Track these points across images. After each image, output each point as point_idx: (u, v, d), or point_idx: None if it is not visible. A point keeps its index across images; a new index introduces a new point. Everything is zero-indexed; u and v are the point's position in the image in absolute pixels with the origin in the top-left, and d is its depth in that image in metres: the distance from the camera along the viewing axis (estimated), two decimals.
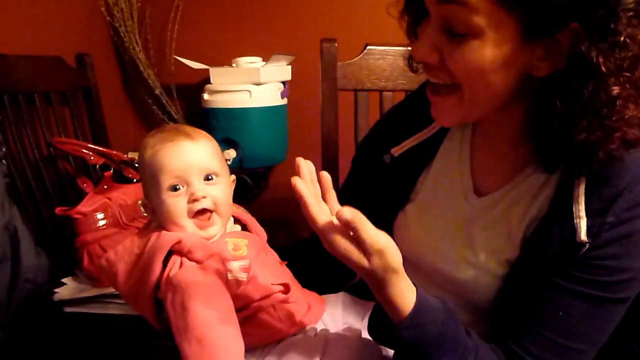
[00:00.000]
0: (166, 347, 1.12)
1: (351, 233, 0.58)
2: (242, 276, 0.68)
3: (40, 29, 1.51)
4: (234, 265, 0.68)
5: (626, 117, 0.59)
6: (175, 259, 0.66)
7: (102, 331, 1.22)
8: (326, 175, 0.64)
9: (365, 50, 1.23)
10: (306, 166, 0.63)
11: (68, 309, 1.23)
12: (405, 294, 0.61)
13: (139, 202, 0.74)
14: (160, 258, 0.66)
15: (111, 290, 1.22)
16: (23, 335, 1.14)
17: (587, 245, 0.64)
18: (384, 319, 0.63)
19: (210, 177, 0.69)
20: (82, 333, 1.22)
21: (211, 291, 0.64)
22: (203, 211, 0.68)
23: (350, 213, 0.56)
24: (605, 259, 0.65)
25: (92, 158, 1.39)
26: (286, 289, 0.71)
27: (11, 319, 1.11)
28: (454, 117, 0.69)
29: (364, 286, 0.92)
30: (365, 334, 0.73)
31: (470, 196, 0.77)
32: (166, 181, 0.68)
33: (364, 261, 0.58)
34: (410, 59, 0.78)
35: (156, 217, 0.71)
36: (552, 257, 0.66)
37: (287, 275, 0.74)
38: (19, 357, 1.15)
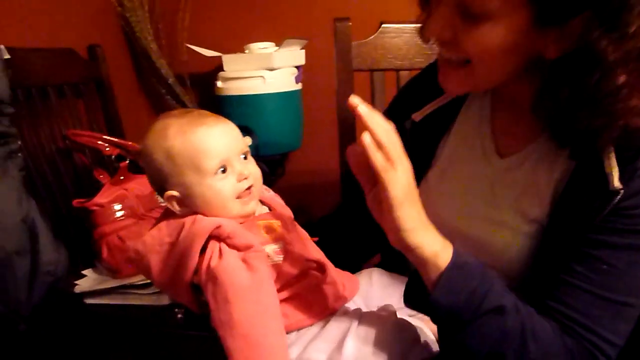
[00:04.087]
0: (187, 337, 1.13)
1: None
2: (279, 259, 0.68)
3: (51, 21, 1.50)
4: (270, 249, 0.68)
5: (630, 105, 0.59)
6: (214, 246, 0.65)
7: (123, 322, 1.22)
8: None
9: (380, 29, 1.20)
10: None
11: (89, 301, 1.24)
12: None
13: (163, 195, 0.69)
14: (199, 245, 0.64)
15: (131, 280, 1.22)
16: (44, 327, 1.15)
17: (621, 193, 0.63)
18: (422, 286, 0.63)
19: (245, 156, 0.69)
20: (103, 324, 1.22)
21: (255, 286, 0.63)
22: (248, 188, 0.68)
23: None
24: None
25: (107, 149, 1.38)
26: (322, 268, 0.70)
27: (32, 312, 1.11)
28: (462, 87, 0.72)
29: (388, 264, 0.91)
30: (401, 314, 0.72)
31: (492, 157, 0.77)
32: (213, 165, 0.66)
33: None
34: (422, 30, 0.77)
35: (190, 207, 0.68)
36: (585, 211, 0.65)
37: (320, 254, 0.73)
38: (41, 349, 1.16)
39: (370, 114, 0.59)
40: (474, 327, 0.61)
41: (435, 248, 0.61)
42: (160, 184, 0.69)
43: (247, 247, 0.64)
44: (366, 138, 0.58)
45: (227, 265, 0.63)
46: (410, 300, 0.66)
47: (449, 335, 0.64)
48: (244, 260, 0.64)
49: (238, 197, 0.67)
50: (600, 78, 0.58)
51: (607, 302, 0.64)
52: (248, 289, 0.62)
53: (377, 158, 0.58)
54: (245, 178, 0.67)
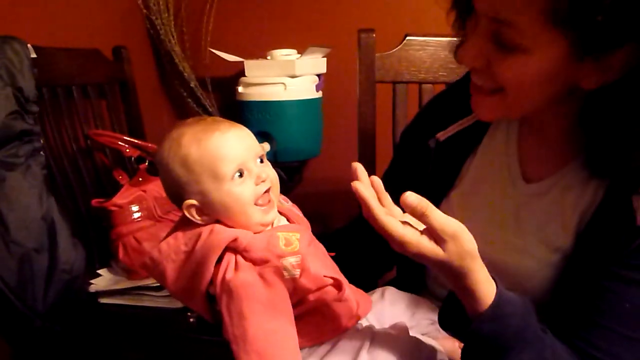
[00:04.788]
0: (199, 341, 1.13)
1: (413, 225, 0.56)
2: (295, 273, 0.66)
3: (78, 21, 1.52)
4: (287, 263, 0.66)
5: None
6: (230, 258, 0.63)
7: (135, 323, 1.22)
8: (377, 179, 0.63)
9: (405, 41, 1.19)
10: (363, 170, 0.62)
11: (103, 300, 1.25)
12: (484, 283, 0.58)
13: (180, 205, 0.67)
14: (215, 256, 0.63)
15: (145, 282, 1.23)
16: (59, 325, 1.16)
17: None
18: (457, 310, 0.61)
19: (261, 159, 0.68)
20: (116, 324, 1.23)
21: (271, 303, 0.62)
22: (266, 192, 0.67)
23: (417, 197, 0.55)
24: None
25: (128, 150, 1.39)
26: (339, 285, 0.69)
27: (48, 309, 1.12)
28: (494, 114, 0.70)
29: (404, 280, 0.90)
30: (413, 332, 0.71)
31: (518, 183, 0.76)
32: (230, 170, 0.64)
33: (438, 251, 0.56)
34: (456, 51, 0.76)
35: (210, 215, 0.66)
36: (610, 245, 0.64)
37: (337, 270, 0.71)
38: (55, 346, 1.17)
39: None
40: None
41: (474, 289, 0.58)
42: (177, 194, 0.67)
43: (264, 262, 0.63)
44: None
45: (244, 278, 0.62)
46: (447, 325, 0.65)
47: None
48: (261, 275, 0.63)
49: (258, 204, 0.66)
50: None
51: (630, 342, 0.63)
52: (264, 304, 0.61)
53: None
54: (263, 181, 0.66)
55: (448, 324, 0.64)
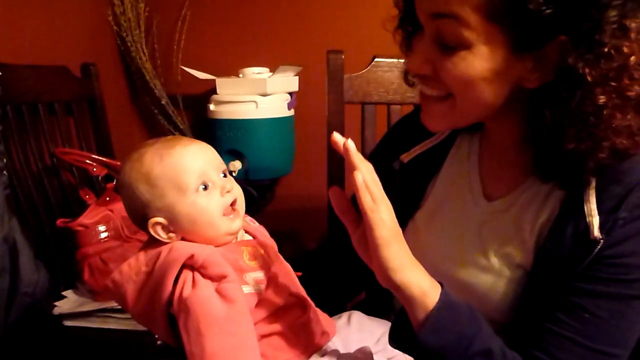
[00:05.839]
0: None
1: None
2: (260, 287, 0.66)
3: (46, 38, 1.50)
4: (251, 278, 0.66)
5: (613, 125, 0.60)
6: (187, 275, 0.63)
7: (101, 346, 1.19)
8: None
9: (373, 63, 1.21)
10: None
11: (68, 323, 1.21)
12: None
13: (145, 227, 0.67)
14: (172, 274, 0.63)
15: (111, 304, 1.20)
16: (21, 349, 1.12)
17: (602, 243, 0.64)
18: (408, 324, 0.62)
19: (225, 174, 0.69)
20: (81, 347, 1.20)
21: (229, 319, 0.61)
22: (233, 203, 0.67)
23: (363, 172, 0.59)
24: (622, 257, 0.64)
25: (95, 169, 1.37)
26: (304, 305, 0.69)
27: (9, 333, 1.09)
28: (443, 123, 0.72)
29: (372, 303, 0.90)
30: (378, 357, 0.71)
31: (480, 201, 0.77)
32: (194, 182, 0.65)
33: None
34: (406, 73, 0.80)
35: (177, 231, 0.66)
36: (567, 259, 0.65)
37: (303, 291, 0.71)
38: None
39: (356, 151, 0.60)
40: None
41: (423, 287, 0.61)
42: (142, 214, 0.67)
43: (221, 277, 0.63)
44: (359, 177, 0.58)
45: (200, 295, 0.61)
46: (396, 340, 0.65)
47: None
48: (218, 291, 0.62)
49: (225, 214, 0.67)
50: (581, 99, 0.59)
51: (590, 352, 0.64)
52: (222, 320, 0.60)
53: (366, 198, 0.58)
54: (229, 191, 0.67)
55: (400, 339, 0.65)
